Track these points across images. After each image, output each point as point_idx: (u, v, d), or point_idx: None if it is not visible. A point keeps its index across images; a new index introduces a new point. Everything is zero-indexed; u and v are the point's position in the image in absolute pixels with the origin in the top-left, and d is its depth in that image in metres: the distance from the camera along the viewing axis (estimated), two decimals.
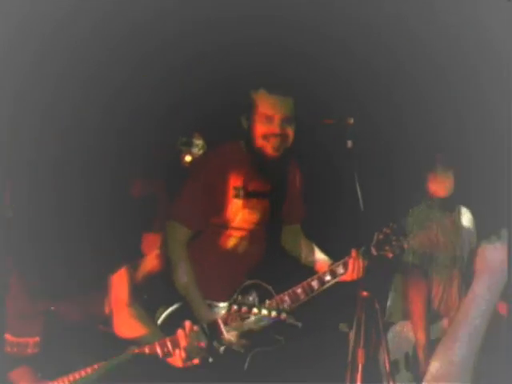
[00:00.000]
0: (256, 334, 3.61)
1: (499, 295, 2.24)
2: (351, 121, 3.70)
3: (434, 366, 2.20)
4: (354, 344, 3.63)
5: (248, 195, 3.78)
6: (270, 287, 3.74)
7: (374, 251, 3.72)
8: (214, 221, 3.79)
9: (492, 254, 2.26)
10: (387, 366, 3.74)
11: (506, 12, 4.18)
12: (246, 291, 3.72)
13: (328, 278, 3.70)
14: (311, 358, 4.28)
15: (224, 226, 3.79)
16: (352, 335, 3.74)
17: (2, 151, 4.28)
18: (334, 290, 3.81)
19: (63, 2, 4.48)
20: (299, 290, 3.68)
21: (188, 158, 5.32)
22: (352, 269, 3.68)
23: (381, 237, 3.73)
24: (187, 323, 3.07)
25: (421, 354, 4.61)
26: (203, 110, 5.12)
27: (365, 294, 3.56)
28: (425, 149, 4.72)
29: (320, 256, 4.03)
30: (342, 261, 3.73)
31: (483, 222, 4.86)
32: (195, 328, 3.07)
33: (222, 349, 3.61)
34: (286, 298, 3.66)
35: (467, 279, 4.72)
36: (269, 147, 3.74)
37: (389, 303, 4.82)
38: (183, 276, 3.70)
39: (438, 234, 4.77)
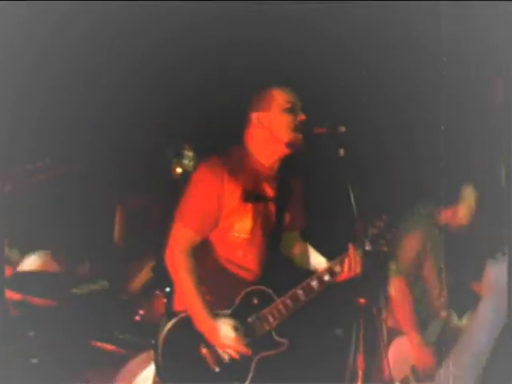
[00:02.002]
0: (260, 338, 3.69)
1: (505, 313, 2.26)
2: (343, 129, 3.71)
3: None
4: (353, 350, 3.64)
5: (256, 199, 3.77)
6: (270, 291, 3.75)
7: (368, 246, 3.72)
8: (220, 227, 3.75)
9: (498, 274, 2.28)
10: (387, 372, 3.75)
11: (506, 12, 4.21)
12: (247, 297, 3.73)
13: (327, 277, 3.73)
14: (309, 362, 4.29)
15: (228, 231, 3.75)
16: (348, 340, 3.76)
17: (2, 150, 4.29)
18: (330, 295, 3.83)
19: (63, 2, 4.47)
20: (300, 292, 3.73)
21: (179, 170, 5.33)
22: (348, 266, 3.70)
23: (374, 231, 3.74)
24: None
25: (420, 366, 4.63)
26: (194, 120, 5.13)
27: (362, 301, 3.57)
28: (421, 154, 4.74)
29: (319, 259, 4.03)
30: (338, 258, 3.76)
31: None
32: None
33: (226, 357, 3.66)
34: (288, 300, 3.71)
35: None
36: (299, 137, 3.75)
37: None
38: (189, 284, 3.65)
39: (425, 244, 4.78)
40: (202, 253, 3.76)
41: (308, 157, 3.99)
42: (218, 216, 3.72)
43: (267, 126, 3.78)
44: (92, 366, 4.52)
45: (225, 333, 3.62)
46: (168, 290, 4.73)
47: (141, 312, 4.72)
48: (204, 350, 3.65)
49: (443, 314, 4.71)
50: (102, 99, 4.97)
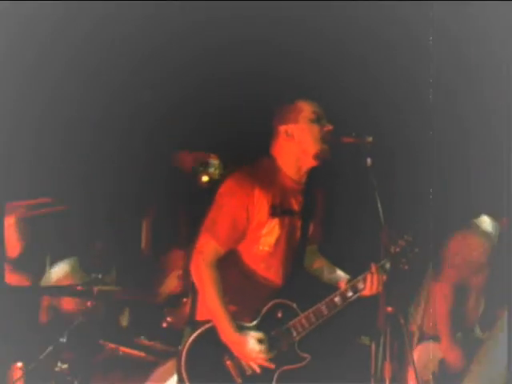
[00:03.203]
0: (282, 351, 3.70)
1: None
2: (370, 139, 3.72)
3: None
4: (380, 358, 3.66)
5: (284, 213, 3.78)
6: (294, 305, 3.77)
7: (390, 264, 3.75)
8: (246, 240, 3.77)
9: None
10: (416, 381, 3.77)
11: (506, 12, 4.21)
12: (272, 310, 3.75)
13: (350, 293, 3.77)
14: (331, 375, 4.30)
15: (254, 244, 3.77)
16: (374, 348, 3.77)
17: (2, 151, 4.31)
18: (355, 304, 3.86)
19: (63, 2, 4.48)
20: (323, 307, 3.76)
21: (205, 179, 5.37)
22: (370, 284, 3.72)
23: (397, 250, 3.76)
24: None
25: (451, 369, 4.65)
26: (218, 129, 5.16)
27: (389, 309, 3.59)
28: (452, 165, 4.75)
29: (339, 274, 4.04)
30: (361, 276, 3.78)
31: None
32: None
33: (249, 370, 3.68)
34: (311, 315, 3.74)
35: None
36: (326, 148, 3.78)
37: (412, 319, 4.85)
38: (214, 296, 3.65)
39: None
40: (228, 263, 3.76)
41: (335, 166, 4.00)
42: (245, 229, 3.73)
43: (296, 138, 3.79)
44: (120, 372, 4.55)
45: (251, 346, 3.64)
46: None
47: (168, 319, 4.75)
48: (228, 362, 3.67)
49: (471, 325, 4.76)
50: (119, 92, 4.97)
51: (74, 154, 5.07)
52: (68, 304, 4.70)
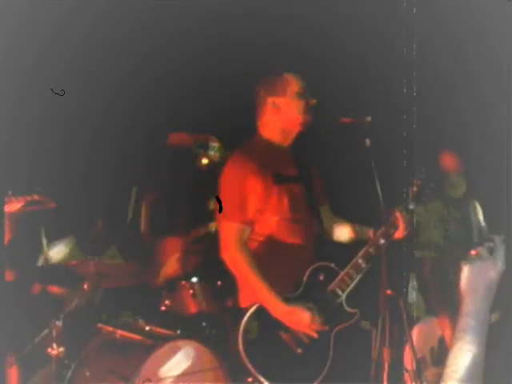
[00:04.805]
0: (332, 313, 3.78)
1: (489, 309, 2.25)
2: (369, 119, 3.72)
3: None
4: (379, 343, 3.63)
5: (286, 180, 3.88)
6: (332, 265, 3.84)
7: (412, 204, 3.83)
8: (264, 212, 3.83)
9: (476, 275, 2.27)
10: (413, 364, 3.73)
11: (506, 12, 4.18)
12: (312, 275, 3.81)
13: (382, 241, 3.76)
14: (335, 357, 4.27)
15: (271, 215, 3.84)
16: (375, 333, 3.74)
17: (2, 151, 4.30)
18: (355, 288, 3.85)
19: (63, 2, 4.48)
20: (360, 261, 3.82)
21: (205, 161, 5.33)
22: (403, 224, 3.79)
23: (415, 189, 3.83)
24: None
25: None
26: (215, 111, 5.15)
27: (389, 292, 3.55)
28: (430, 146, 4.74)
29: (361, 228, 4.11)
30: (389, 221, 3.81)
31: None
32: None
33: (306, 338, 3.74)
34: (351, 270, 3.79)
35: None
36: (309, 118, 3.90)
37: (411, 301, 4.82)
38: (254, 276, 3.72)
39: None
40: (259, 244, 3.85)
41: (334, 146, 4.00)
42: (257, 201, 3.80)
43: (283, 111, 3.92)
44: (118, 355, 4.52)
45: (301, 314, 3.70)
46: (194, 280, 4.75)
47: (167, 302, 4.71)
48: (284, 335, 3.74)
49: None
50: (119, 91, 5.00)
51: (74, 153, 5.09)
52: (64, 286, 4.66)
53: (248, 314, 3.72)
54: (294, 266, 3.85)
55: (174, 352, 4.27)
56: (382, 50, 4.79)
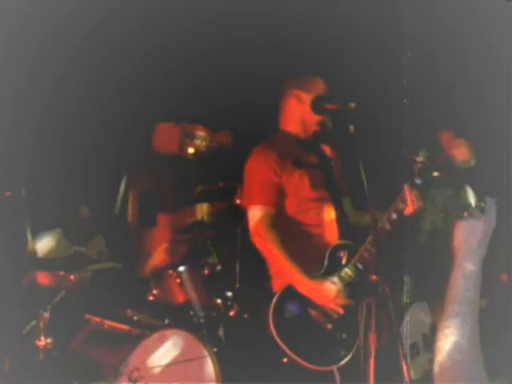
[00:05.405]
0: (358, 288, 3.85)
1: (481, 265, 2.29)
2: (353, 105, 3.74)
3: (440, 349, 2.22)
4: (364, 328, 3.65)
5: (305, 165, 4.05)
6: (351, 243, 3.97)
7: (418, 179, 3.88)
8: (287, 195, 4.00)
9: (468, 230, 2.31)
10: (401, 351, 3.74)
11: (506, 12, 4.19)
12: (333, 254, 3.95)
13: (394, 215, 3.87)
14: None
15: (295, 196, 4.00)
16: (361, 319, 3.76)
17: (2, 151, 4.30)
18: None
19: (63, 1, 4.49)
20: (377, 236, 3.86)
21: (191, 150, 5.33)
22: (410, 199, 3.84)
23: (419, 166, 3.88)
24: None
25: None
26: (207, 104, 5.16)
27: (374, 277, 3.56)
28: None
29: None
30: (398, 197, 3.88)
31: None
32: None
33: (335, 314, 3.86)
34: (368, 245, 3.86)
35: None
36: (328, 121, 4.08)
37: (405, 287, 4.84)
38: (282, 256, 3.86)
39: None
40: (283, 226, 3.97)
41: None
42: (280, 185, 3.98)
43: (305, 105, 4.07)
44: (106, 346, 4.53)
45: (328, 289, 3.83)
46: (181, 269, 4.74)
47: (154, 292, 4.71)
48: (313, 313, 3.85)
49: None
50: (113, 86, 4.99)
51: (74, 153, 5.10)
52: (51, 278, 4.64)
53: (277, 296, 3.84)
54: (316, 246, 4.00)
55: (162, 341, 4.29)
56: (382, 50, 4.80)
